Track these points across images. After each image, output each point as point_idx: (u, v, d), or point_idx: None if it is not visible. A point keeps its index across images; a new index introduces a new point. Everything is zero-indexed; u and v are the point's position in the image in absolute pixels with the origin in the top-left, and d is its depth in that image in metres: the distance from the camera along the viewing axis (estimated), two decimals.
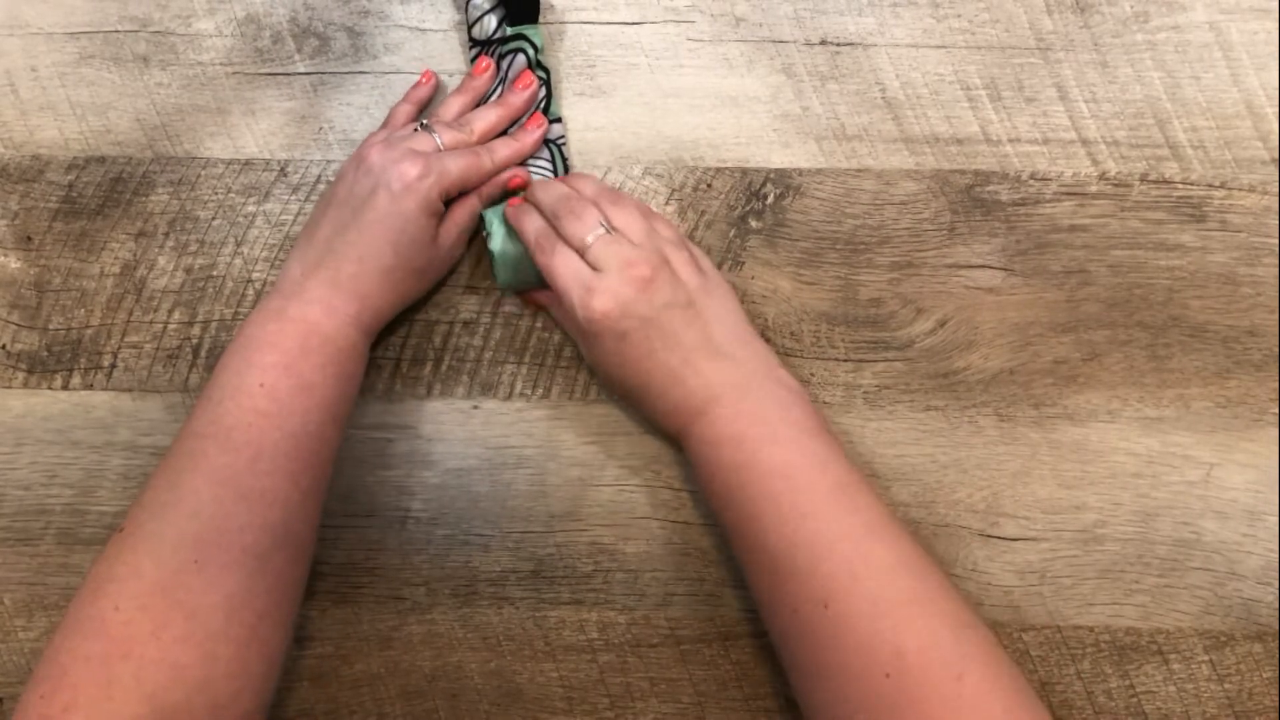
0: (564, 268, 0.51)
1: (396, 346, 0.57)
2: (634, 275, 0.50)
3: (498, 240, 0.55)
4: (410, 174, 0.51)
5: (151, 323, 0.57)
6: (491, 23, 0.56)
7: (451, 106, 0.57)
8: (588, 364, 0.56)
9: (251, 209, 0.57)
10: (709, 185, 0.57)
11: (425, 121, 0.55)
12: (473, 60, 0.57)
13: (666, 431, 0.54)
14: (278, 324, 0.50)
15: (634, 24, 0.57)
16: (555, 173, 0.57)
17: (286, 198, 0.57)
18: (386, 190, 0.51)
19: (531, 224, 0.53)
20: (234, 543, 0.46)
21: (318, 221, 0.53)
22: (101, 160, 0.57)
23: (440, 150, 0.54)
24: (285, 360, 0.49)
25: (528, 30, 0.56)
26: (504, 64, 0.57)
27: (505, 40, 0.57)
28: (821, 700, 0.46)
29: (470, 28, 0.57)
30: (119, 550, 0.45)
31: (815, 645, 0.46)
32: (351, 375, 0.52)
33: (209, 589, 0.45)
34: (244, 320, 0.51)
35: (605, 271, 0.50)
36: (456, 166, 0.53)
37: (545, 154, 0.57)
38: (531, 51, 0.56)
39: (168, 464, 0.48)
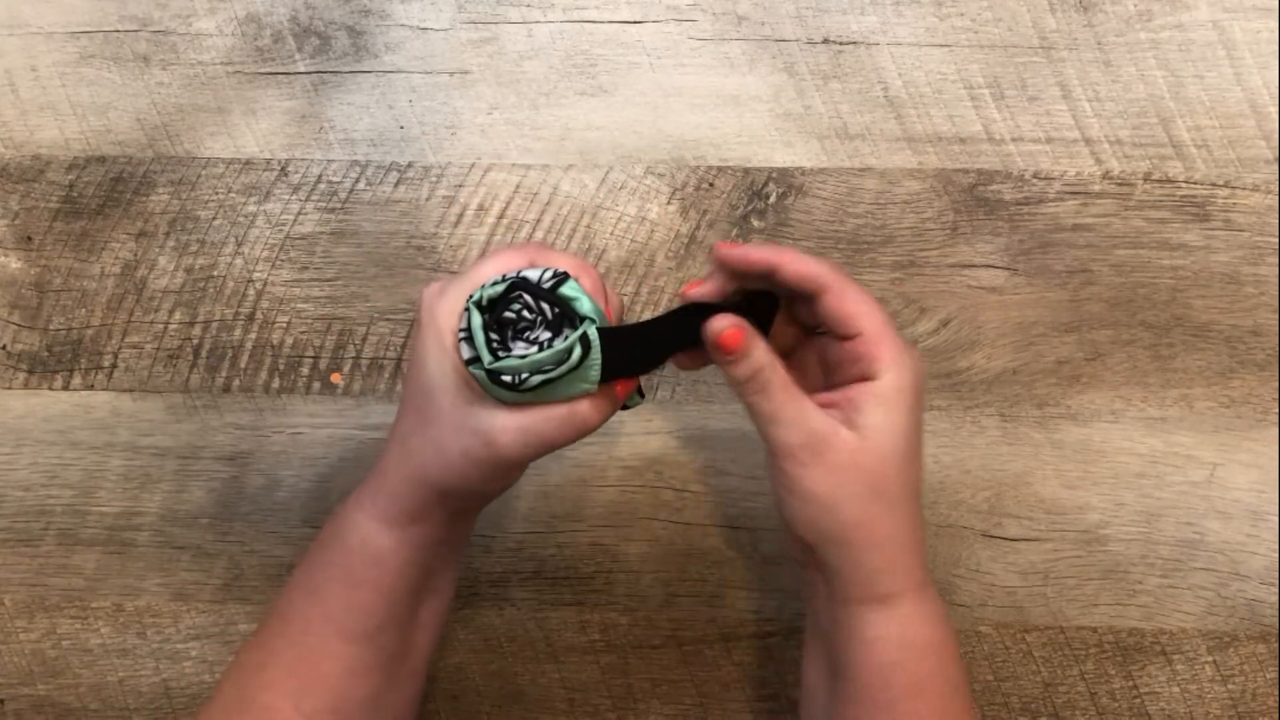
0: (881, 312, 0.41)
1: (397, 347, 0.57)
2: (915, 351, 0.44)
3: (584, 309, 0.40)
4: (425, 295, 0.42)
5: (152, 323, 0.57)
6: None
7: None
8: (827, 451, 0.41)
9: (252, 209, 0.57)
10: (711, 184, 0.57)
11: None
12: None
13: (870, 588, 0.42)
14: (328, 521, 0.46)
15: (636, 23, 0.57)
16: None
17: (287, 197, 0.57)
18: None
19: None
20: None
21: None
22: (102, 160, 0.57)
23: None
24: (306, 561, 0.45)
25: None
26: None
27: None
28: None
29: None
30: None
31: None
32: (362, 581, 0.43)
33: None
34: None
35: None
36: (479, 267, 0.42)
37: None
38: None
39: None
